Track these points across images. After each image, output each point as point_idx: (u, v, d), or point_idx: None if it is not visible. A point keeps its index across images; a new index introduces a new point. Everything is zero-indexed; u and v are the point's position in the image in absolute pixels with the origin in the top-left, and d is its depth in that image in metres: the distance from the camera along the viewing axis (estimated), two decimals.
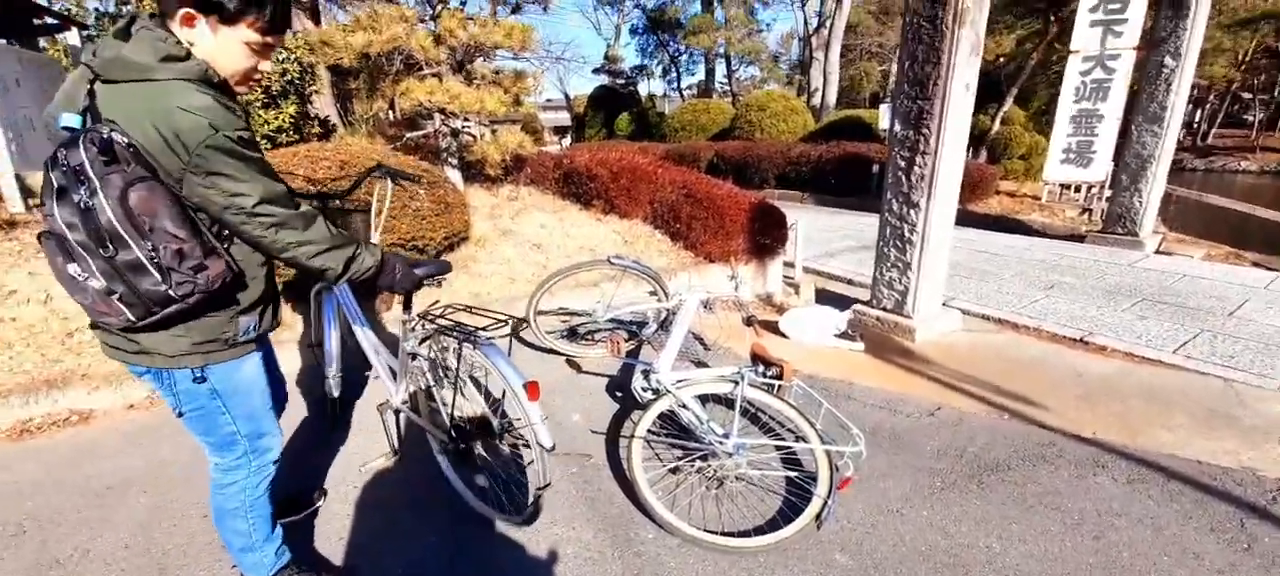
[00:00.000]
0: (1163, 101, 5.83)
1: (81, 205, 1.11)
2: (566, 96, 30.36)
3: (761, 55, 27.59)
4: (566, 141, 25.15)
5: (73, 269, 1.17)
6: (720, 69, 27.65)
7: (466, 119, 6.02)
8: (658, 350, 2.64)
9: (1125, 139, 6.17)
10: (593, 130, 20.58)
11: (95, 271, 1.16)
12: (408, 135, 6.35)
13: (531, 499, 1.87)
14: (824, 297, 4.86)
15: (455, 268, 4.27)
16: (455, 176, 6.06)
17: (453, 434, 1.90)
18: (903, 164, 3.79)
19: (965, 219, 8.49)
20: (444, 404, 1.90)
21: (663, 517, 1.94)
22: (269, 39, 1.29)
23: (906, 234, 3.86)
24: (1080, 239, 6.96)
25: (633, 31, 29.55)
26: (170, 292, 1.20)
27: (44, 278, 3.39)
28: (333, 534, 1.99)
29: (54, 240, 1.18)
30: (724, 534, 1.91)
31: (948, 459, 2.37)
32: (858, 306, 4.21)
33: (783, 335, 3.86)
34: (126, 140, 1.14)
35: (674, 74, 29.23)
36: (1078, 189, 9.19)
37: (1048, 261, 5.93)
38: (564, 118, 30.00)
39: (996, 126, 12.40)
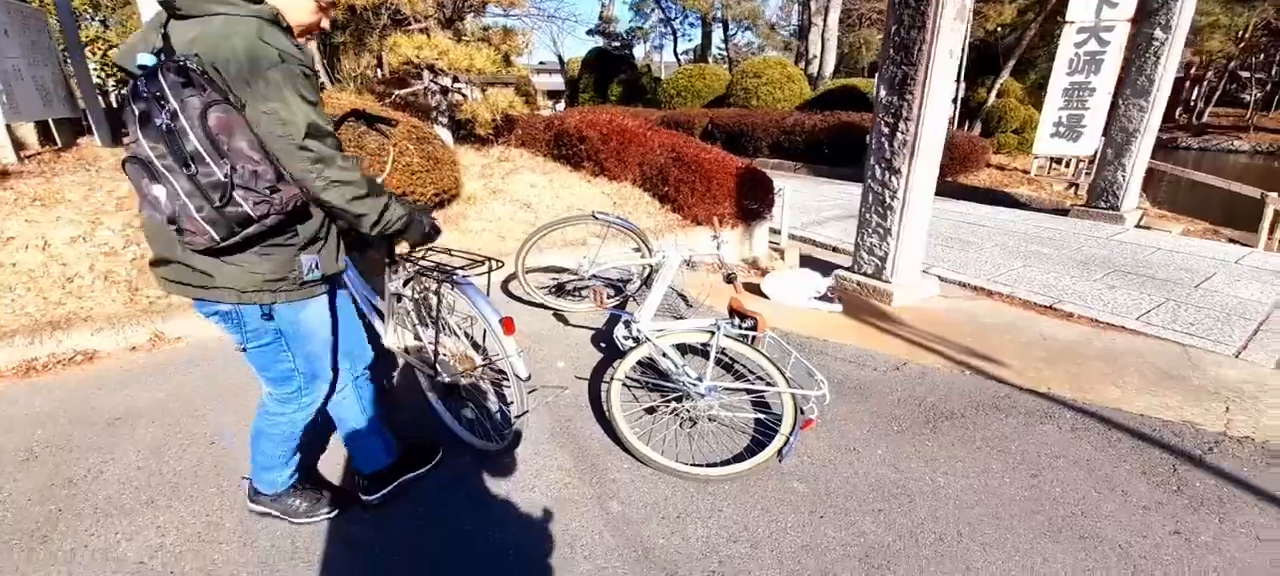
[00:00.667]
0: (1151, 75, 5.89)
1: (164, 128, 1.18)
2: (560, 59, 29.78)
3: (759, 21, 27.12)
4: (561, 105, 24.81)
5: (158, 190, 1.22)
6: (718, 34, 27.20)
7: (456, 78, 6.00)
8: (642, 305, 2.76)
9: (1112, 113, 6.24)
10: (586, 94, 20.31)
11: (181, 191, 1.21)
12: (396, 93, 6.35)
13: (512, 427, 2.02)
14: (809, 263, 4.97)
15: (446, 225, 4.36)
16: (445, 135, 6.08)
17: (436, 370, 2.02)
18: (886, 130, 3.87)
19: (953, 191, 8.60)
20: (428, 342, 2.02)
21: (638, 449, 2.09)
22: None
23: (888, 200, 3.96)
24: (1064, 213, 7.10)
25: None
26: (249, 212, 1.26)
27: (41, 225, 3.45)
28: (333, 460, 2.13)
29: (139, 165, 1.23)
30: (693, 464, 2.07)
31: (906, 406, 2.54)
32: (839, 271, 4.33)
33: (764, 296, 4.00)
34: (200, 68, 1.21)
35: (670, 37, 28.75)
36: (1067, 164, 9.29)
37: (1028, 233, 6.06)
38: (558, 82, 29.48)
39: (992, 99, 12.39)
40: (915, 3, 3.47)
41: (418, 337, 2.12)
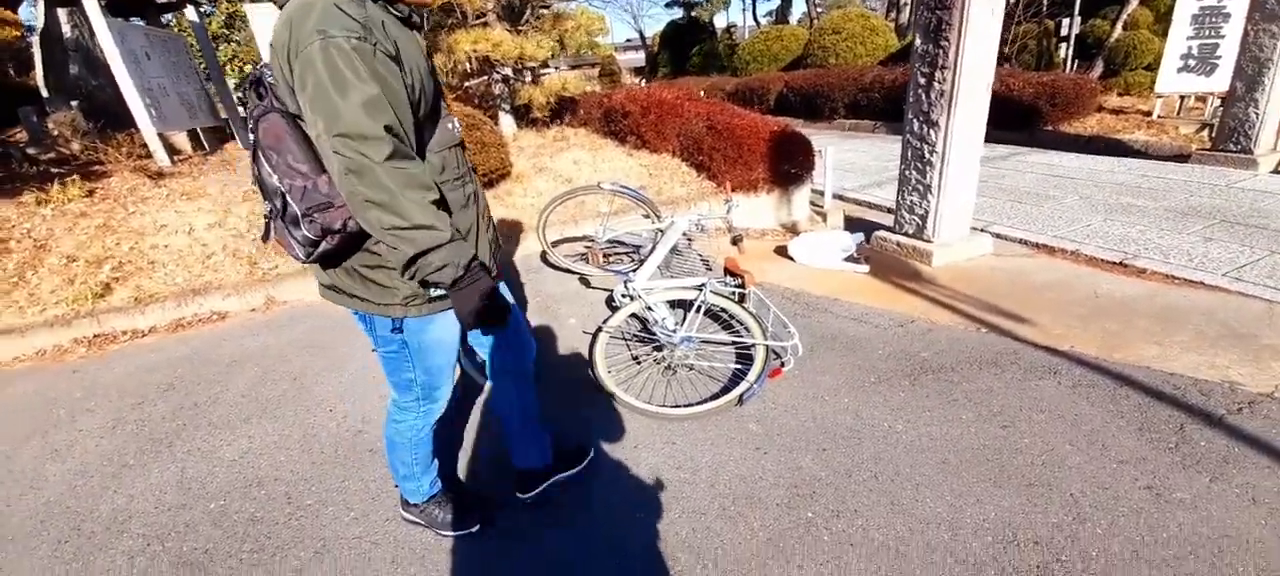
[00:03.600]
0: None
1: (253, 144, 1.14)
2: (641, 36, 29.87)
3: None
4: (642, 82, 25.00)
5: (265, 206, 1.18)
6: None
7: (517, 67, 6.43)
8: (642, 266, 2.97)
9: (1242, 41, 5.30)
10: (664, 69, 20.30)
11: (273, 209, 1.16)
12: (466, 85, 6.93)
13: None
14: (858, 226, 4.85)
15: (495, 201, 4.83)
16: (507, 121, 6.57)
17: None
18: (922, 81, 3.71)
19: (1053, 141, 7.74)
20: None
21: (611, 390, 2.35)
22: None
23: (926, 155, 3.81)
24: (1185, 159, 6.17)
25: None
26: (309, 234, 1.11)
27: (187, 214, 4.35)
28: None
29: (258, 183, 1.18)
30: (662, 405, 2.29)
31: (892, 361, 2.55)
32: (880, 232, 4.23)
33: (790, 258, 4.02)
34: (268, 75, 1.11)
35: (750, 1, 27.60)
36: (1204, 100, 7.95)
37: (1127, 183, 5.40)
38: (641, 58, 29.65)
39: (1118, 32, 10.75)
40: None
41: None
